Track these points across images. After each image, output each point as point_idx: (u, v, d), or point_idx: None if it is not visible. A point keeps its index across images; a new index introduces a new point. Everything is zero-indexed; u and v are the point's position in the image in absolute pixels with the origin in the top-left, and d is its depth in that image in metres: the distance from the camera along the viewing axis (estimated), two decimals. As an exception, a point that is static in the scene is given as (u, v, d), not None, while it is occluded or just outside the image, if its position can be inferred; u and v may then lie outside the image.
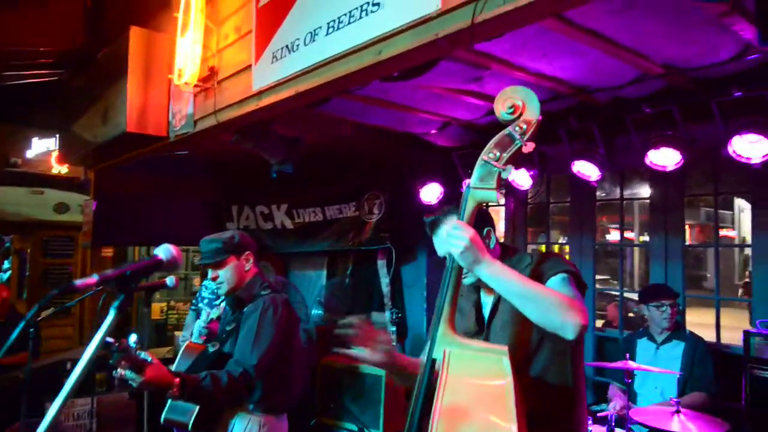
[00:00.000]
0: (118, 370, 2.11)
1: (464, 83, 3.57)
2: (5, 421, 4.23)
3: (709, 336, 3.88)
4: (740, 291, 11.29)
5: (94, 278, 1.24)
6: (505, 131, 1.71)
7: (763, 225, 3.90)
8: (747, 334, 3.10)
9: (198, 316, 4.41)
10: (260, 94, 3.37)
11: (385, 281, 5.68)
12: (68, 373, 4.45)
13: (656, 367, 3.38)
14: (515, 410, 1.49)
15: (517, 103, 1.69)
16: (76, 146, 5.75)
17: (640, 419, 3.13)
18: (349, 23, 2.70)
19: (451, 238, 1.68)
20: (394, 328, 5.34)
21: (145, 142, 4.51)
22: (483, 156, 1.72)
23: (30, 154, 7.62)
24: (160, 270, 1.46)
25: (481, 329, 1.99)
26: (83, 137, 5.49)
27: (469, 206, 1.73)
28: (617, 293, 5.20)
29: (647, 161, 3.81)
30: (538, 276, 1.86)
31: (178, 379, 2.28)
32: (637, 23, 2.75)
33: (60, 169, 7.40)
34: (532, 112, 1.69)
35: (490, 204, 1.81)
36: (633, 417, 3.11)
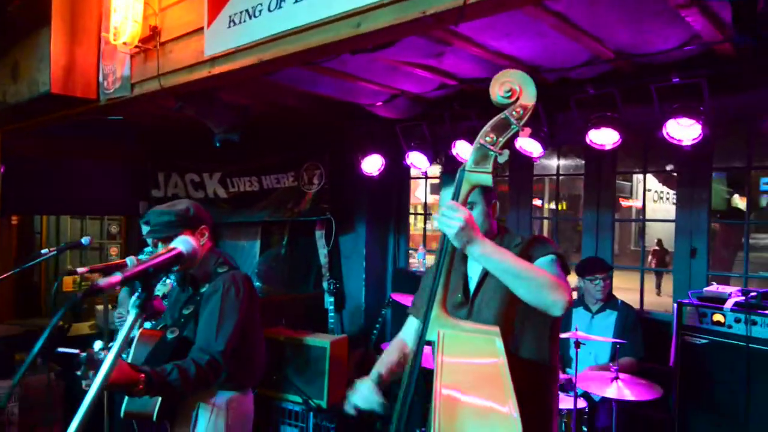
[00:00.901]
0: (85, 381, 1.92)
1: (425, 58, 3.55)
2: None
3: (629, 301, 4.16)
4: (649, 258, 12.26)
5: (118, 276, 1.14)
6: (502, 115, 1.72)
7: (684, 202, 4.22)
8: (680, 305, 3.37)
9: (133, 292, 4.17)
10: (214, 60, 3.16)
11: (323, 252, 5.64)
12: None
13: (593, 335, 3.63)
14: (512, 388, 1.55)
15: (515, 88, 1.69)
16: (-23, 105, 5.17)
17: (583, 386, 3.36)
18: (322, -8, 2.58)
19: (447, 218, 1.67)
20: (332, 299, 5.34)
21: (71, 105, 4.13)
22: (479, 139, 1.72)
23: None
24: (181, 263, 1.35)
25: (467, 301, 2.04)
26: (-12, 95, 4.94)
27: (464, 189, 1.73)
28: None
29: (587, 140, 3.99)
30: (527, 256, 1.91)
31: (143, 375, 2.12)
32: (601, 10, 2.84)
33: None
34: (529, 97, 1.70)
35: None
36: (576, 383, 3.33)
